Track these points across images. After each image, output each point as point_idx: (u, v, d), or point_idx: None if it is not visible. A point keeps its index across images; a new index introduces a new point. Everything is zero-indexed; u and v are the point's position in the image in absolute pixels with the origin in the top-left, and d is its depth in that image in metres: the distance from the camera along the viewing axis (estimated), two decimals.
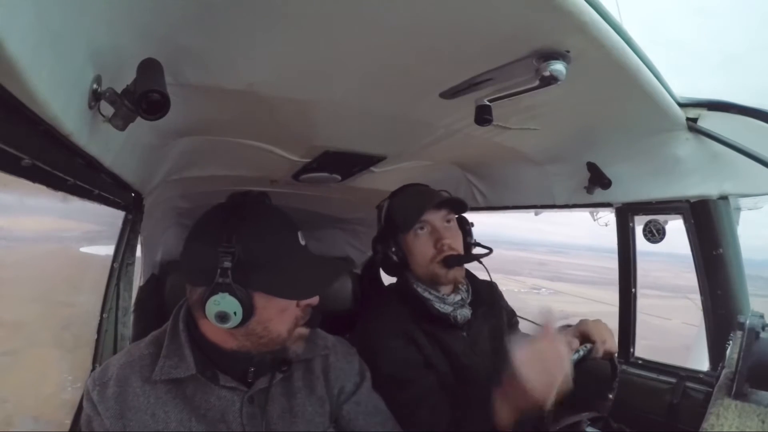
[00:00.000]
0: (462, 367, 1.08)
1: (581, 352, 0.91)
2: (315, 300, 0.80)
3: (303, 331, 0.80)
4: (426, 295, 1.10)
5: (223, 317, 0.70)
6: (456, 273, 1.09)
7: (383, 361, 0.99)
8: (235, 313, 0.70)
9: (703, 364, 1.21)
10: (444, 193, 1.17)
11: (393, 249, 1.11)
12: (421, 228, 1.08)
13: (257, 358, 0.80)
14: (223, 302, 0.70)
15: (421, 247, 1.08)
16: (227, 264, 0.70)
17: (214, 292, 0.70)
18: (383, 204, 1.18)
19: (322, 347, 0.90)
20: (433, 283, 1.11)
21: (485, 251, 1.14)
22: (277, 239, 0.77)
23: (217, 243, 0.71)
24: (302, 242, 0.80)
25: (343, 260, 2.20)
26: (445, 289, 1.12)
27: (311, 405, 0.84)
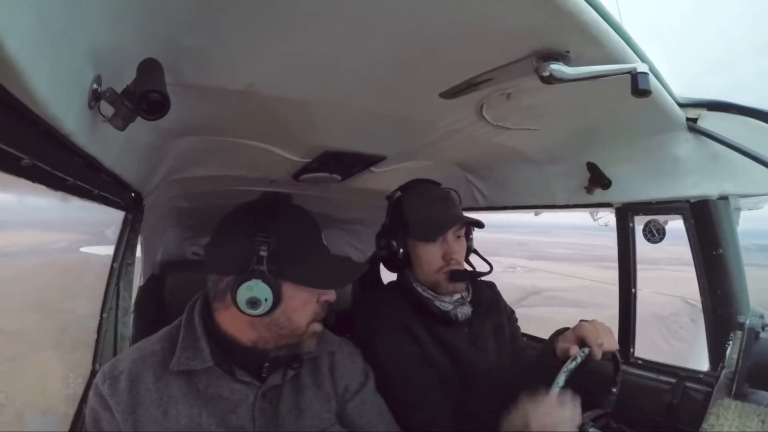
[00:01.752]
0: (464, 363, 1.09)
1: (579, 359, 0.89)
2: (332, 297, 0.83)
3: (318, 327, 0.83)
4: (426, 294, 1.11)
5: (254, 303, 0.73)
6: (457, 286, 1.10)
7: (383, 358, 0.99)
8: (266, 299, 0.74)
9: (703, 364, 1.21)
10: (453, 194, 1.18)
11: (400, 250, 1.11)
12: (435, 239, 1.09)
13: (272, 354, 0.82)
14: (256, 288, 0.73)
15: (429, 256, 1.08)
16: (263, 252, 0.74)
17: (247, 278, 0.73)
18: (394, 196, 1.18)
19: (329, 346, 0.92)
20: (431, 288, 1.11)
21: (487, 268, 1.15)
22: (306, 235, 0.82)
23: (254, 233, 0.75)
24: (324, 242, 0.85)
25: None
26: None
27: (318, 402, 0.85)
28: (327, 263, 0.83)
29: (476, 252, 1.19)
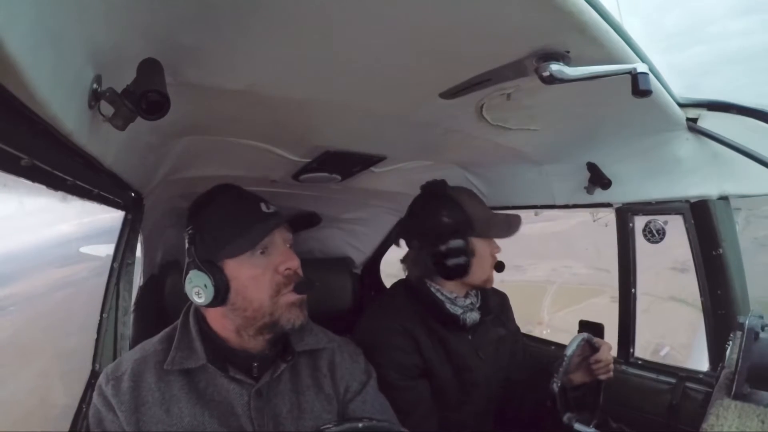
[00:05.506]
0: (465, 369, 1.09)
1: (594, 340, 1.04)
2: (293, 263, 0.81)
3: (293, 297, 0.81)
4: (439, 296, 1.11)
5: (198, 293, 0.75)
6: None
7: (380, 362, 1.00)
8: (205, 285, 0.74)
9: (703, 364, 1.21)
10: None
11: (471, 249, 1.09)
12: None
13: (259, 352, 0.82)
14: (194, 278, 0.75)
15: (487, 253, 1.12)
16: (190, 245, 0.77)
17: (186, 273, 0.76)
18: (443, 200, 1.13)
19: (327, 341, 0.92)
20: (481, 285, 1.15)
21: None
22: (233, 211, 0.81)
23: (183, 230, 0.79)
24: (267, 210, 0.82)
25: (342, 259, 2.20)
26: (458, 291, 1.13)
27: (319, 402, 0.85)
28: (263, 226, 0.79)
29: None
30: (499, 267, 1.15)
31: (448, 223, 1.10)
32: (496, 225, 1.13)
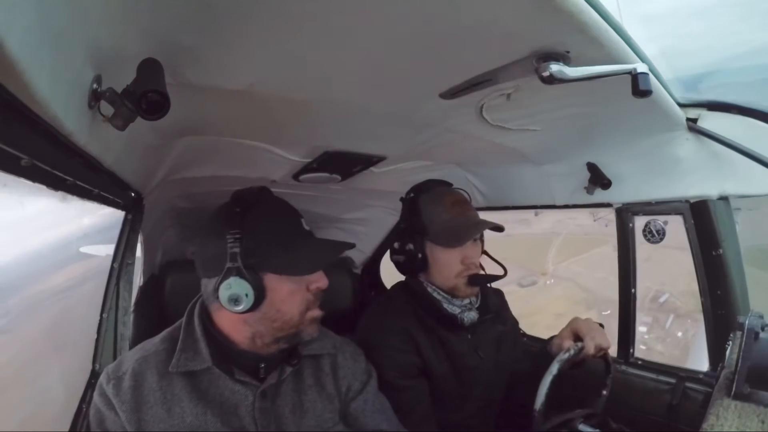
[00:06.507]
0: (465, 368, 1.09)
1: (572, 351, 0.92)
2: (324, 283, 0.83)
3: (316, 312, 0.83)
4: (435, 295, 1.11)
5: (236, 300, 0.74)
6: (475, 289, 1.11)
7: (380, 362, 1.00)
8: (246, 294, 0.74)
9: (702, 364, 1.21)
10: (466, 195, 1.18)
11: (418, 254, 1.09)
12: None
13: (270, 351, 0.82)
14: (235, 285, 0.74)
15: (449, 261, 1.08)
16: (236, 249, 0.75)
17: (225, 277, 0.74)
18: (409, 198, 1.16)
19: (331, 346, 0.92)
20: (448, 292, 1.11)
21: (502, 271, 1.16)
22: (281, 224, 0.81)
23: (226, 232, 0.76)
24: (306, 228, 0.84)
25: (342, 259, 2.20)
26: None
27: (321, 402, 0.85)
28: (307, 248, 0.81)
29: (487, 254, 1.19)
30: (472, 279, 1.08)
31: (406, 225, 1.14)
32: (449, 233, 1.07)
